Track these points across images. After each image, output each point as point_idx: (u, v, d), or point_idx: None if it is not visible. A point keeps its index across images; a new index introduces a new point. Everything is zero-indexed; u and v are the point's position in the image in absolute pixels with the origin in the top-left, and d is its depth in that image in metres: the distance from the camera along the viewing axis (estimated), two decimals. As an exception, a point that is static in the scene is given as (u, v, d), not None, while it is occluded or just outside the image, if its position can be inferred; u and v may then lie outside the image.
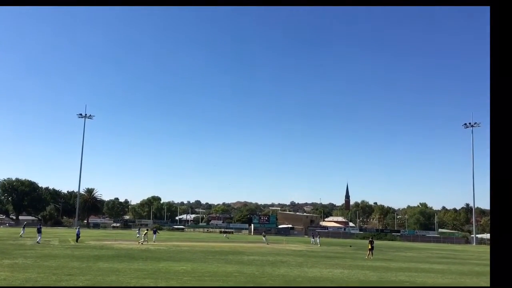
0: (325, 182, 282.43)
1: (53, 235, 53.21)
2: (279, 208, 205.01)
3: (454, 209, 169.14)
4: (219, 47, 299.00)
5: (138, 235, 60.71)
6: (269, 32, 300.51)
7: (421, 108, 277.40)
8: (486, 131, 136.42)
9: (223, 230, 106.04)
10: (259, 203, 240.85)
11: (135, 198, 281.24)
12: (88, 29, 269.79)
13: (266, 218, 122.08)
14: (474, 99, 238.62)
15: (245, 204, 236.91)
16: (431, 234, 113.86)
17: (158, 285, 14.80)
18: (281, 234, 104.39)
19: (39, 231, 38.54)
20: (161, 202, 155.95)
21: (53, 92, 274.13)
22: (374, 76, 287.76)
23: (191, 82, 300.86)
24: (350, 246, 56.01)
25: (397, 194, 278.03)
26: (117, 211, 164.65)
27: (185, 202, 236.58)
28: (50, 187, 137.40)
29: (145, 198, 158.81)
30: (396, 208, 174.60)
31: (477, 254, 52.36)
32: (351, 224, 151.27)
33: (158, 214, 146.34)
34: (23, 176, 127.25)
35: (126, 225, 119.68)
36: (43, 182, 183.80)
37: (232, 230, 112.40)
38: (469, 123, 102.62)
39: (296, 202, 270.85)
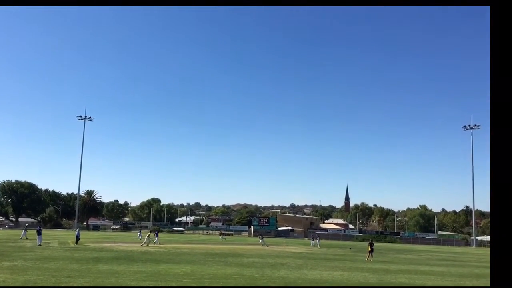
0: (324, 184, 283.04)
1: (52, 237, 53.18)
2: (279, 210, 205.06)
3: (454, 211, 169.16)
4: (219, 48, 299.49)
5: (139, 237, 60.80)
6: (269, 33, 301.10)
7: (421, 109, 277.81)
8: (486, 133, 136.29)
9: (220, 232, 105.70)
10: (259, 205, 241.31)
11: (135, 200, 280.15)
12: (87, 30, 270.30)
13: (266, 220, 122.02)
14: (474, 100, 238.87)
15: (245, 206, 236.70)
16: (430, 236, 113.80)
17: (158, 286, 14.80)
18: (281, 236, 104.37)
19: (39, 233, 38.54)
20: (161, 204, 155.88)
21: (52, 94, 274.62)
22: (373, 77, 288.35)
23: (191, 84, 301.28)
24: (350, 248, 55.95)
25: (397, 196, 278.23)
26: (116, 213, 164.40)
27: (185, 204, 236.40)
28: (50, 189, 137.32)
29: (145, 200, 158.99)
30: (395, 210, 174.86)
31: (477, 256, 52.31)
32: (350, 226, 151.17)
33: (158, 216, 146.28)
34: (22, 178, 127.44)
35: (126, 227, 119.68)
36: (42, 184, 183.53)
37: (232, 232, 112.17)
38: (469, 125, 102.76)
39: (296, 204, 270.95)
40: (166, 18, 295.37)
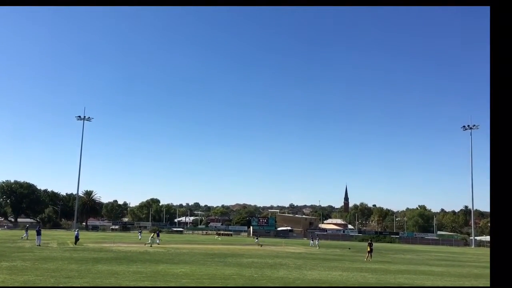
0: (324, 184, 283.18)
1: (51, 238, 53.14)
2: (278, 211, 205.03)
3: (453, 212, 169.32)
4: (218, 48, 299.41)
5: (140, 238, 60.89)
6: (269, 33, 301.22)
7: (420, 109, 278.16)
8: (485, 133, 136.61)
9: (218, 232, 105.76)
10: (258, 205, 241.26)
11: (134, 200, 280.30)
12: (86, 30, 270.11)
13: (265, 221, 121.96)
14: (474, 100, 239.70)
15: (244, 206, 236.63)
16: (430, 236, 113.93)
17: (157, 286, 14.82)
18: (280, 237, 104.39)
19: (38, 233, 38.51)
20: (160, 204, 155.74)
21: (51, 94, 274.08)
22: (373, 77, 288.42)
23: (190, 84, 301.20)
24: (349, 248, 55.97)
25: (396, 196, 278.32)
26: (116, 214, 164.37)
27: (184, 204, 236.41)
28: (49, 189, 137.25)
29: (144, 200, 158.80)
30: (395, 210, 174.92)
31: (476, 256, 52.37)
32: (350, 226, 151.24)
33: (157, 216, 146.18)
34: (21, 178, 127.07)
35: (125, 228, 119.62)
36: (41, 185, 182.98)
37: (231, 232, 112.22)
38: (468, 125, 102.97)
39: (295, 205, 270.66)
40: (165, 18, 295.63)
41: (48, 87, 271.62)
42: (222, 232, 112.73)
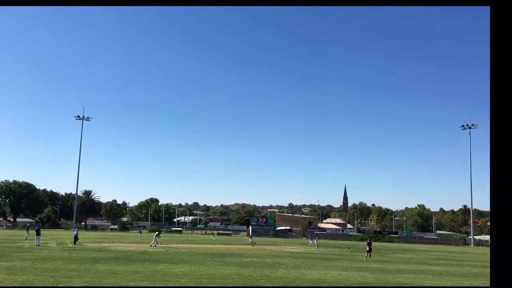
0: (323, 183, 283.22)
1: (50, 237, 53.09)
2: (277, 210, 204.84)
3: (452, 211, 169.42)
4: (217, 48, 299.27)
5: (140, 237, 61.07)
6: (269, 33, 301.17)
7: (419, 109, 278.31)
8: (484, 133, 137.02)
9: (217, 232, 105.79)
10: (257, 205, 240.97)
11: (133, 200, 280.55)
12: (85, 29, 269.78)
13: (264, 220, 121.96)
14: (472, 100, 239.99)
15: (243, 206, 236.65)
16: (429, 235, 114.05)
17: (156, 286, 14.79)
18: (279, 236, 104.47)
19: (38, 233, 38.47)
20: (159, 204, 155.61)
21: (50, 93, 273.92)
22: (372, 77, 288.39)
23: (189, 84, 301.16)
24: (348, 247, 56.02)
25: (395, 196, 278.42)
26: (115, 213, 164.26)
27: (183, 204, 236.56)
28: (48, 189, 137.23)
29: (143, 200, 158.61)
30: (394, 209, 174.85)
31: (475, 255, 52.45)
32: (349, 225, 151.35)
33: (156, 216, 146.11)
34: (20, 178, 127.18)
35: (124, 227, 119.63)
36: (40, 184, 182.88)
37: (230, 232, 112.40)
38: (467, 125, 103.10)
39: (294, 204, 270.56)
40: (165, 18, 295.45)
41: (48, 87, 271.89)
42: (221, 231, 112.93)
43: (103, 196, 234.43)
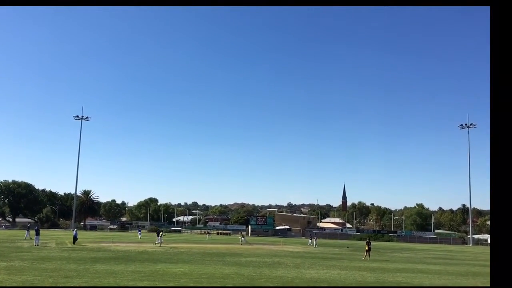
0: (322, 183, 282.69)
1: (50, 237, 53.04)
2: (276, 210, 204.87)
3: (451, 210, 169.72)
4: (216, 48, 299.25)
5: (140, 237, 61.01)
6: (268, 32, 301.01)
7: (417, 108, 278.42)
8: (482, 132, 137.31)
9: (205, 231, 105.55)
10: (256, 204, 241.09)
11: (132, 200, 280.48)
12: (85, 29, 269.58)
13: (264, 220, 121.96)
14: (470, 99, 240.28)
15: (242, 205, 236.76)
16: (428, 235, 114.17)
17: (155, 286, 14.80)
18: (279, 236, 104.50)
19: (37, 233, 38.45)
20: (158, 203, 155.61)
21: (49, 93, 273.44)
22: (371, 77, 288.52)
23: (189, 84, 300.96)
24: (347, 247, 56.07)
25: (394, 195, 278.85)
26: (114, 213, 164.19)
27: (182, 203, 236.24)
28: (47, 189, 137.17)
29: (142, 199, 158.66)
30: (393, 209, 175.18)
31: (473, 254, 52.54)
32: (348, 225, 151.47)
33: (155, 216, 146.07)
34: (19, 178, 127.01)
35: (123, 227, 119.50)
36: (39, 184, 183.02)
37: (229, 231, 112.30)
38: (465, 124, 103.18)
39: (293, 203, 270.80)
40: (164, 17, 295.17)
41: (46, 86, 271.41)
42: (220, 231, 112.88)
43: (102, 196, 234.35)
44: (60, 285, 14.46)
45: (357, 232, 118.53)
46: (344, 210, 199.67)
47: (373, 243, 41.65)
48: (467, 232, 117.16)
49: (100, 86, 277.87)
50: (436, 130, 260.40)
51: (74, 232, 44.33)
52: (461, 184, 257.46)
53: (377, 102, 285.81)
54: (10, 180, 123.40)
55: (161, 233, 46.06)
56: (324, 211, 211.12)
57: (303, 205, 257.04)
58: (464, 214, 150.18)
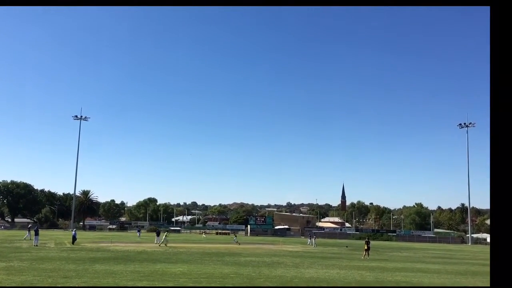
0: (321, 182, 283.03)
1: (49, 238, 53.00)
2: (275, 209, 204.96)
3: (450, 209, 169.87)
4: (216, 47, 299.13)
5: (139, 237, 61.02)
6: (268, 32, 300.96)
7: (417, 108, 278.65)
8: (481, 131, 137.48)
9: (203, 230, 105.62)
10: (256, 204, 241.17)
11: (131, 199, 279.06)
12: (84, 29, 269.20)
13: (263, 219, 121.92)
14: (469, 99, 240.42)
15: (242, 205, 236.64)
16: (427, 234, 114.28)
17: (155, 286, 14.79)
18: (278, 235, 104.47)
19: (36, 233, 38.40)
20: (157, 203, 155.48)
21: (48, 94, 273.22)
22: (370, 76, 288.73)
23: (188, 84, 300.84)
24: (347, 246, 56.09)
25: (393, 194, 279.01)
26: (113, 213, 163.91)
27: (181, 203, 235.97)
28: (46, 189, 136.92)
29: (141, 199, 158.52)
30: (392, 208, 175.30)
31: (472, 254, 52.60)
32: (347, 224, 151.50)
33: (154, 215, 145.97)
34: (18, 178, 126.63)
35: (122, 227, 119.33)
36: (38, 184, 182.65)
37: (228, 231, 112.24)
38: (464, 123, 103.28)
39: (292, 203, 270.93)
40: (164, 17, 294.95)
41: (44, 87, 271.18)
42: (220, 231, 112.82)
43: (101, 196, 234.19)
44: (59, 285, 14.45)
45: (356, 231, 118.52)
46: (343, 209, 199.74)
47: (372, 243, 41.69)
48: (466, 231, 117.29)
49: (100, 86, 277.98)
50: (435, 129, 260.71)
51: (73, 232, 44.27)
52: (460, 183, 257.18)
53: (376, 102, 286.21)
54: (9, 180, 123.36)
55: (166, 233, 46.08)
56: (323, 211, 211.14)
57: (302, 205, 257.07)
58: (463, 213, 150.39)
